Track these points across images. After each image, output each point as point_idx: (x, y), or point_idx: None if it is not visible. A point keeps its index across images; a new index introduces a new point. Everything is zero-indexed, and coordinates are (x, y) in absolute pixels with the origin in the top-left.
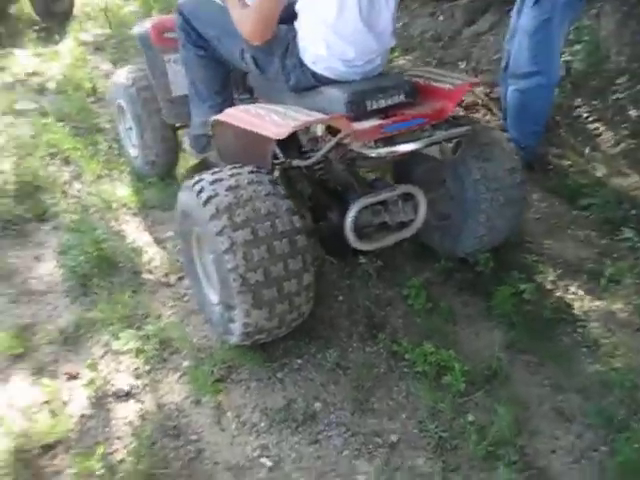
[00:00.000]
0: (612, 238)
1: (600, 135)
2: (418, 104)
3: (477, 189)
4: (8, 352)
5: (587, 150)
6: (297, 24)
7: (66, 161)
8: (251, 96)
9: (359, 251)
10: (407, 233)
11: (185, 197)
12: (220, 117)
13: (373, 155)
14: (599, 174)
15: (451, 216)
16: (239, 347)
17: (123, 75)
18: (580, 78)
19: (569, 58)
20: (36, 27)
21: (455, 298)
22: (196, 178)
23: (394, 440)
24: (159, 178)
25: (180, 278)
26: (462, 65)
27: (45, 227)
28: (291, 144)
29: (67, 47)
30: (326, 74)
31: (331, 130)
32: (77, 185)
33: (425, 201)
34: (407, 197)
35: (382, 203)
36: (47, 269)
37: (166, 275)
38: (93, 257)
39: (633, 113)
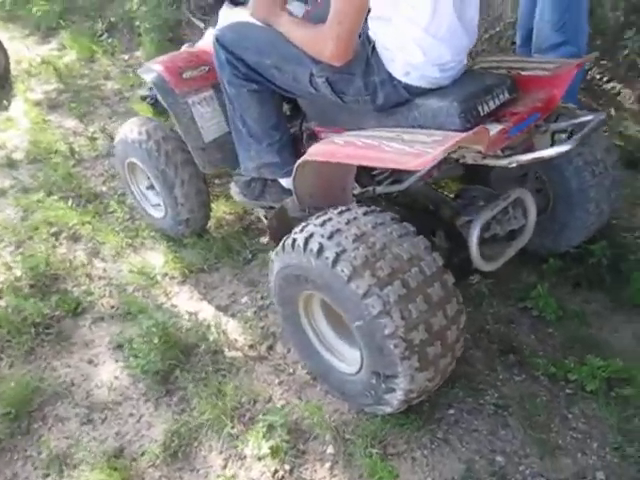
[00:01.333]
0: None
1: (619, 94)
2: (519, 99)
3: (581, 177)
4: None
5: (612, 111)
6: (374, 34)
7: (74, 238)
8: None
9: (470, 272)
10: (523, 241)
11: (292, 259)
12: (314, 157)
13: (513, 165)
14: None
15: (547, 211)
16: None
17: (133, 130)
18: None
19: None
20: None
21: (574, 298)
22: (302, 234)
23: (602, 478)
24: (195, 236)
25: (270, 347)
26: None
27: (84, 322)
28: (362, 172)
29: (20, 111)
30: (420, 84)
31: None
32: (99, 264)
33: (534, 203)
34: (515, 203)
35: None
36: (109, 372)
37: (252, 347)
38: (161, 346)
39: None
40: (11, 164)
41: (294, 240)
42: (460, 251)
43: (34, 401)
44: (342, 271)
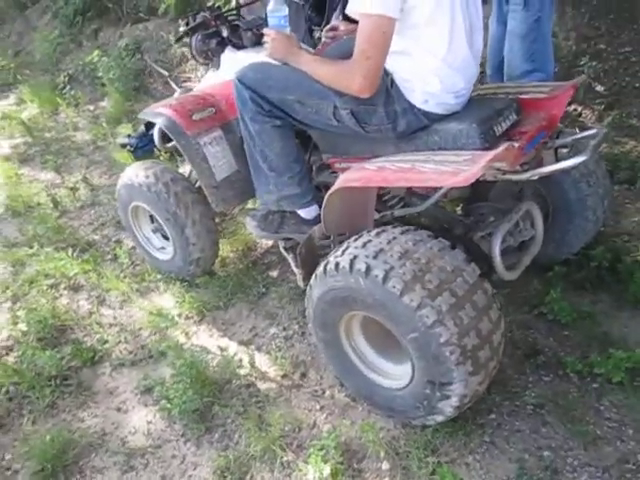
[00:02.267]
0: None
1: (580, 114)
2: (523, 119)
3: (579, 188)
4: None
5: (577, 131)
6: (391, 67)
7: (74, 288)
8: None
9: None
10: (536, 248)
11: (337, 282)
12: (349, 183)
13: (535, 178)
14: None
15: (548, 221)
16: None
17: (139, 174)
18: None
19: None
20: None
21: (582, 300)
22: (345, 257)
23: None
24: (206, 276)
25: (303, 375)
26: None
27: (103, 370)
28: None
29: None
30: (437, 111)
31: None
32: (107, 311)
33: (540, 213)
34: (524, 215)
35: None
36: (141, 417)
37: (285, 377)
38: (194, 385)
39: (600, 88)
40: None
41: (337, 264)
42: (481, 264)
43: (67, 454)
44: (394, 287)
